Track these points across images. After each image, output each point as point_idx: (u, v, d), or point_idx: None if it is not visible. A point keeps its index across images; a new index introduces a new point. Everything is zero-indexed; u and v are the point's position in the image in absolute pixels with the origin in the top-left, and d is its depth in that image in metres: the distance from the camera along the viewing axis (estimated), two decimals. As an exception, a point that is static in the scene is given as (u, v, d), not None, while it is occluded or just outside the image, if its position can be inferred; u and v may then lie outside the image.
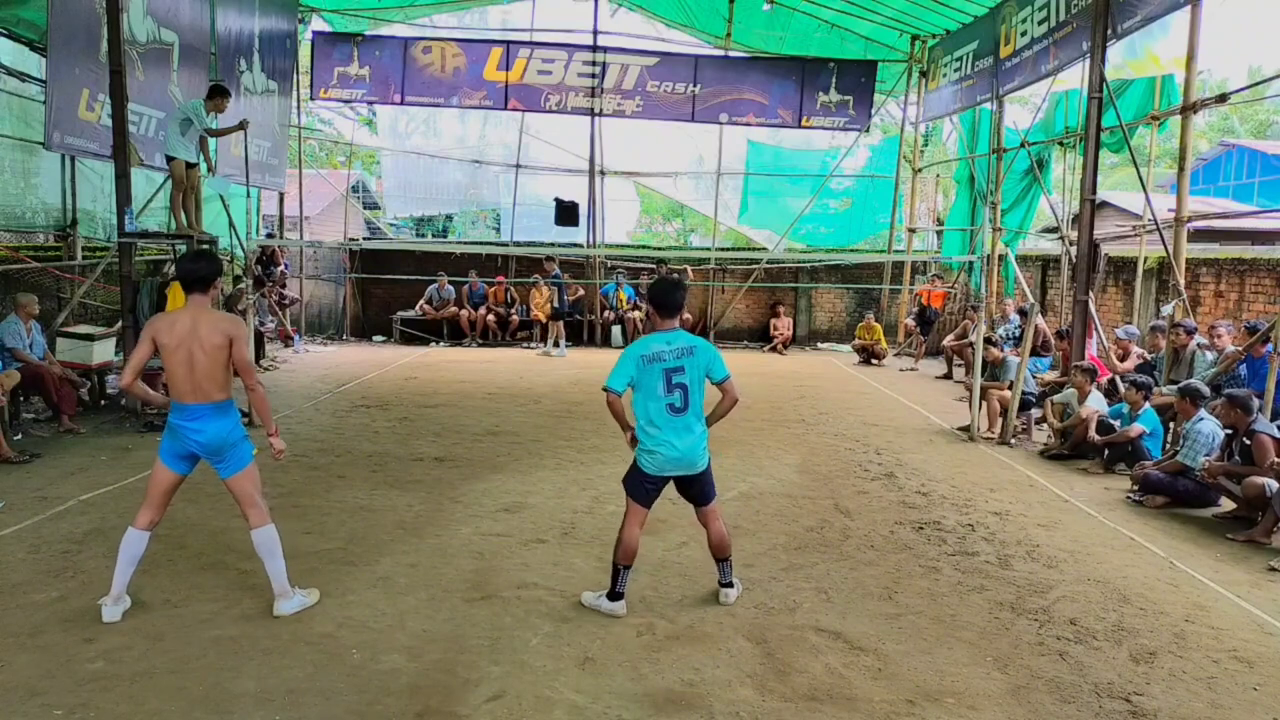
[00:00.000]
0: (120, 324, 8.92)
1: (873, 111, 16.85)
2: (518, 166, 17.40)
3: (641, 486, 4.43)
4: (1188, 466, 6.49)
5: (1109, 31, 9.24)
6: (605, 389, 4.35)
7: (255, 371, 4.40)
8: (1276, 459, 5.91)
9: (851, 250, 17.63)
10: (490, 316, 15.75)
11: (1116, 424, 7.65)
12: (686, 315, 16.60)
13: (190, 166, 9.06)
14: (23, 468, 6.77)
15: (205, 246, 8.62)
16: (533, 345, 15.70)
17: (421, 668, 3.82)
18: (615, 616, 4.36)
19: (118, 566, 4.26)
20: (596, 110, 16.24)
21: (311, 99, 16.29)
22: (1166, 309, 8.83)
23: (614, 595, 4.41)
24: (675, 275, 15.99)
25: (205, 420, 4.19)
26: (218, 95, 9.00)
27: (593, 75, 16.11)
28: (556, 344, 14.91)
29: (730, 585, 4.62)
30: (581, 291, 16.51)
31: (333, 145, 23.35)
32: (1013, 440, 8.58)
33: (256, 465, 4.42)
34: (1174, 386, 7.85)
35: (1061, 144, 12.87)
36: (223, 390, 4.24)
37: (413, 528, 5.63)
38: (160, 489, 4.33)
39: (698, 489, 4.49)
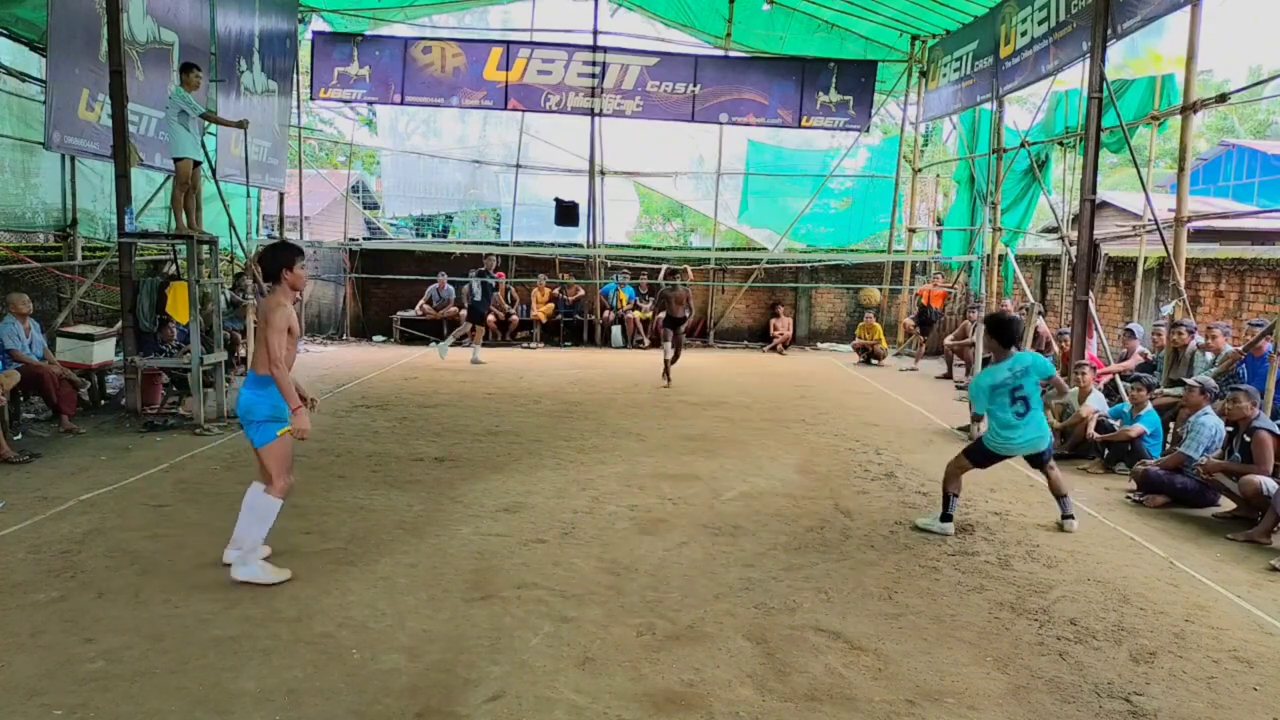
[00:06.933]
0: (120, 324, 8.91)
1: (873, 111, 16.85)
2: (518, 166, 17.40)
3: (986, 457, 5.70)
4: (1189, 458, 6.49)
5: (1109, 31, 9.24)
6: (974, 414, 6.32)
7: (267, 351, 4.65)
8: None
9: (851, 250, 17.63)
10: (490, 317, 15.73)
11: (1117, 424, 7.66)
12: (689, 316, 16.57)
13: (195, 164, 9.04)
14: (23, 468, 6.77)
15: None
16: (533, 345, 15.71)
17: (421, 668, 3.81)
18: (945, 535, 5.59)
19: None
20: (596, 110, 16.25)
21: (311, 99, 16.29)
22: (1167, 309, 8.83)
23: (945, 517, 5.67)
24: (676, 273, 16.03)
25: (246, 386, 4.58)
26: (188, 72, 8.62)
27: (593, 75, 16.11)
28: (469, 344, 13.70)
29: (1071, 517, 5.83)
30: (582, 291, 16.51)
31: (333, 145, 23.35)
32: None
33: (283, 446, 4.59)
34: (1175, 387, 7.86)
35: (1061, 144, 12.86)
36: (261, 365, 4.52)
37: (413, 528, 5.63)
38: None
39: (1038, 458, 5.88)
